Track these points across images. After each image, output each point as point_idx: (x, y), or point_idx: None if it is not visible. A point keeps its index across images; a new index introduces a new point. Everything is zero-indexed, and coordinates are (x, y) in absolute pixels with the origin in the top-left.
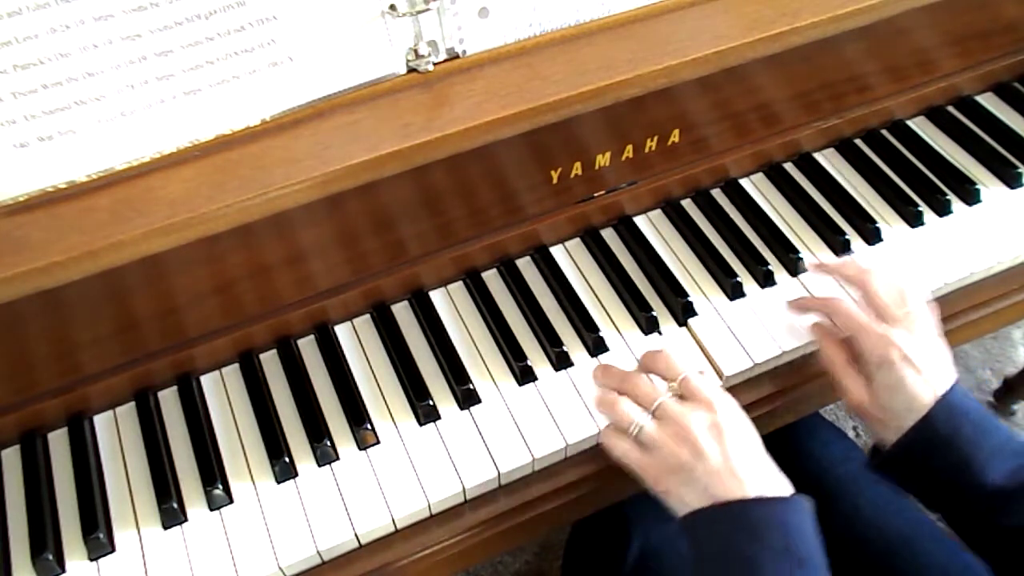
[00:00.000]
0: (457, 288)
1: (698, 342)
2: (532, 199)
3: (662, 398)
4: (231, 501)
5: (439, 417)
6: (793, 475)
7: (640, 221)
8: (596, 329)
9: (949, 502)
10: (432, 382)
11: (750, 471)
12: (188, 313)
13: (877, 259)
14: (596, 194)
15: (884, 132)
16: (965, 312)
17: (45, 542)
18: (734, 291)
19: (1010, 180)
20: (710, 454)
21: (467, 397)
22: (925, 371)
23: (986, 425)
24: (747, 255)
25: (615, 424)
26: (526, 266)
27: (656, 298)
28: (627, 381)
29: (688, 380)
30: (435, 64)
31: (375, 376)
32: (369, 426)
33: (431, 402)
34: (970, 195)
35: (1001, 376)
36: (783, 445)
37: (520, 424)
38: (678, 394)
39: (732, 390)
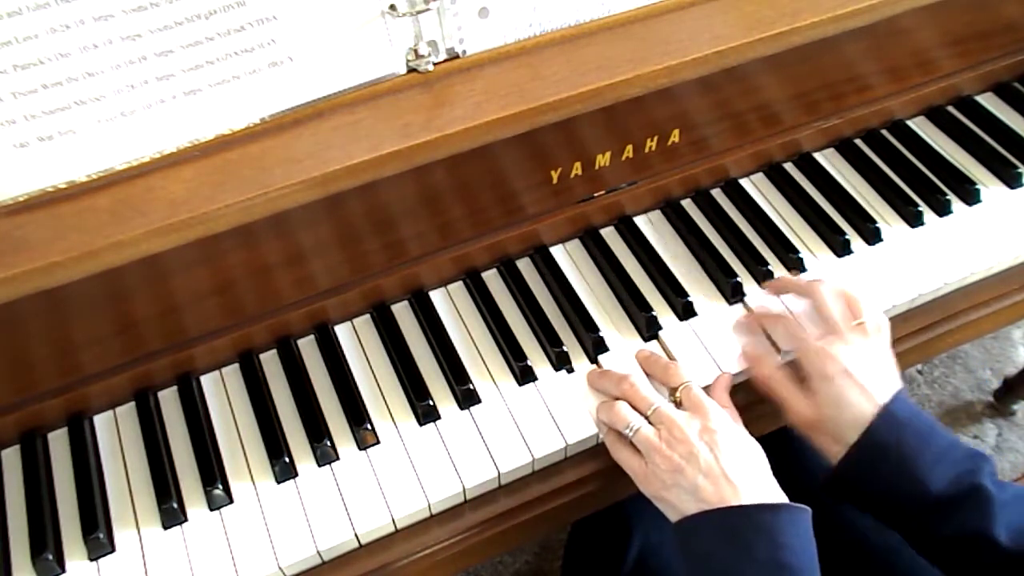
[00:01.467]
0: (457, 288)
1: (700, 341)
2: (532, 199)
3: (658, 403)
4: (231, 501)
5: (439, 417)
6: (790, 479)
7: (640, 221)
8: (596, 329)
9: (896, 514)
10: (432, 382)
11: (743, 477)
12: (188, 313)
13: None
14: (596, 194)
15: (884, 132)
16: (965, 312)
17: (45, 542)
18: (734, 291)
19: (1010, 180)
20: (703, 459)
21: (467, 397)
22: (868, 384)
23: (928, 433)
24: (747, 255)
25: (610, 425)
26: (526, 266)
27: (656, 298)
28: (624, 384)
29: (690, 389)
30: (435, 64)
31: (375, 376)
32: (369, 426)
33: (431, 402)
34: (970, 195)
35: (1001, 376)
36: (781, 449)
37: (520, 424)
38: (676, 401)
39: (732, 390)
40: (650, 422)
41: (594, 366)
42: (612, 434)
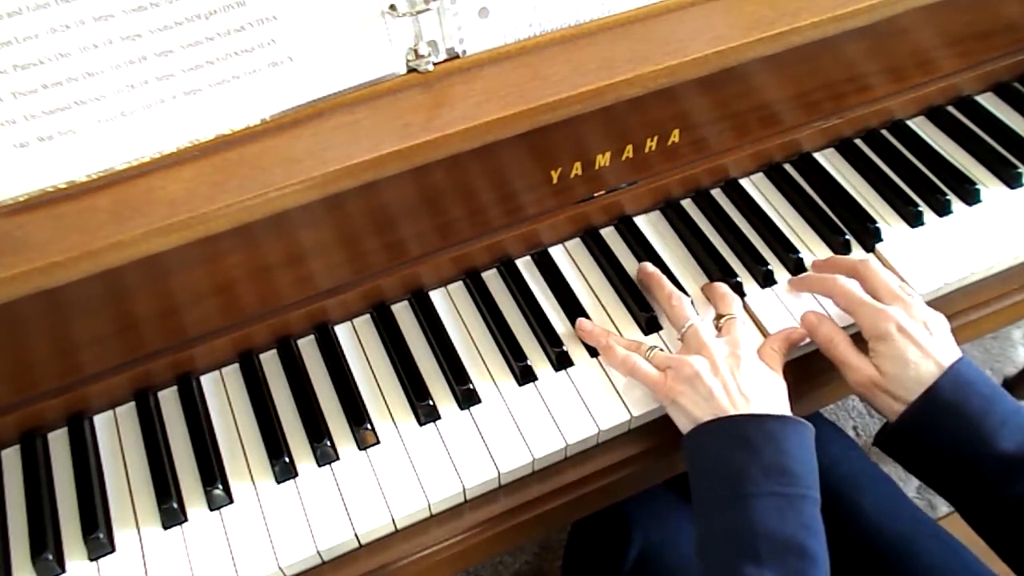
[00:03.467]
0: (457, 288)
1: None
2: (532, 199)
3: (695, 320)
4: (231, 501)
5: (439, 417)
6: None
7: (640, 221)
8: None
9: (955, 474)
10: (432, 382)
11: (757, 395)
12: (188, 313)
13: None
14: (596, 194)
15: (884, 132)
16: (965, 312)
17: (45, 542)
18: (734, 291)
19: (1010, 180)
20: (723, 371)
21: (467, 397)
22: (926, 344)
23: (996, 396)
24: (747, 255)
25: (627, 359)
26: (526, 266)
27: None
28: (672, 297)
29: (734, 321)
30: (435, 64)
31: (375, 376)
32: (369, 426)
33: (431, 402)
34: (970, 195)
35: (1001, 376)
36: None
37: (520, 424)
38: (717, 328)
39: None
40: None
41: (594, 366)
42: (616, 346)
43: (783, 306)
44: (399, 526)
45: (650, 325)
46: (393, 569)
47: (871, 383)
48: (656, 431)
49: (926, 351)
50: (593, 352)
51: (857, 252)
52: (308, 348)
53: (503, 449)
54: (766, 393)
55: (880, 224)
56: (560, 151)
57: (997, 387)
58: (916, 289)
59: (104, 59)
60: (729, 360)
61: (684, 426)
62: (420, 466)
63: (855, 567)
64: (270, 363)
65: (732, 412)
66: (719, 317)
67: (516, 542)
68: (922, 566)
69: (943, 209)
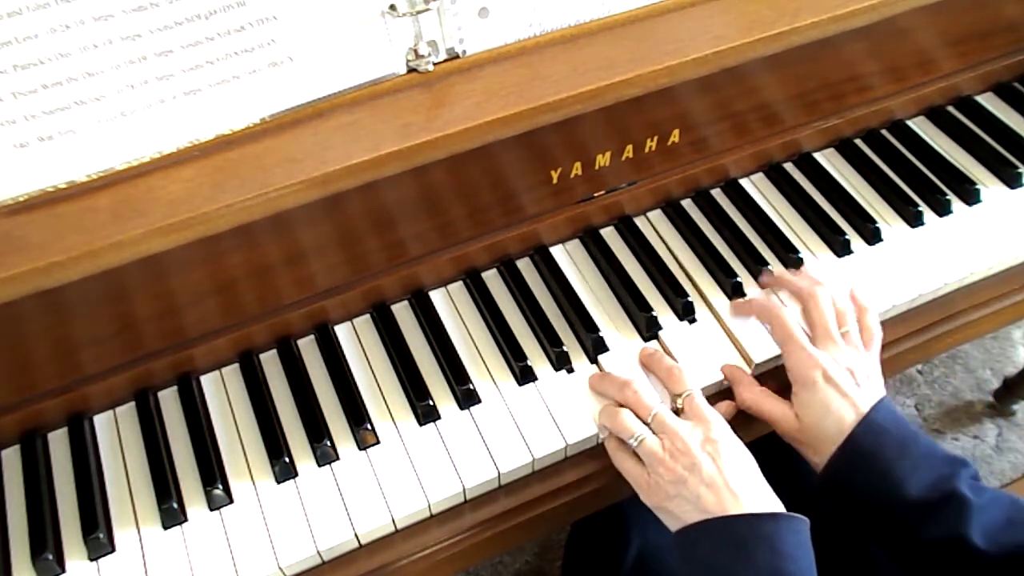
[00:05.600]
0: (457, 288)
1: (700, 341)
2: (532, 199)
3: (657, 409)
4: (231, 501)
5: (439, 417)
6: (789, 480)
7: (640, 221)
8: (596, 329)
9: (877, 521)
10: (432, 382)
11: (745, 488)
12: (188, 313)
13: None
14: (596, 194)
15: (884, 132)
16: (965, 312)
17: (45, 542)
18: (734, 291)
19: (1010, 180)
20: (705, 468)
21: (467, 397)
22: (849, 392)
23: (908, 440)
24: (747, 255)
25: (615, 433)
26: (526, 266)
27: (656, 298)
28: (626, 390)
29: (692, 397)
30: (435, 64)
31: (375, 376)
32: (369, 426)
33: (431, 402)
34: (970, 195)
35: (1001, 376)
36: (780, 449)
37: (520, 424)
38: (677, 408)
39: (731, 391)
40: (651, 429)
41: (594, 366)
42: (614, 440)
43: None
44: (399, 526)
45: (650, 325)
46: (393, 569)
47: (792, 433)
48: None
49: (848, 398)
50: (593, 351)
51: (857, 251)
52: (308, 348)
53: (503, 449)
54: (750, 481)
55: (880, 224)
56: (560, 151)
57: (911, 430)
58: (872, 305)
59: (104, 59)
60: (707, 448)
61: (673, 525)
62: (420, 466)
63: (855, 568)
64: (270, 363)
65: (721, 513)
66: (675, 397)
67: (516, 542)
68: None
69: (943, 209)
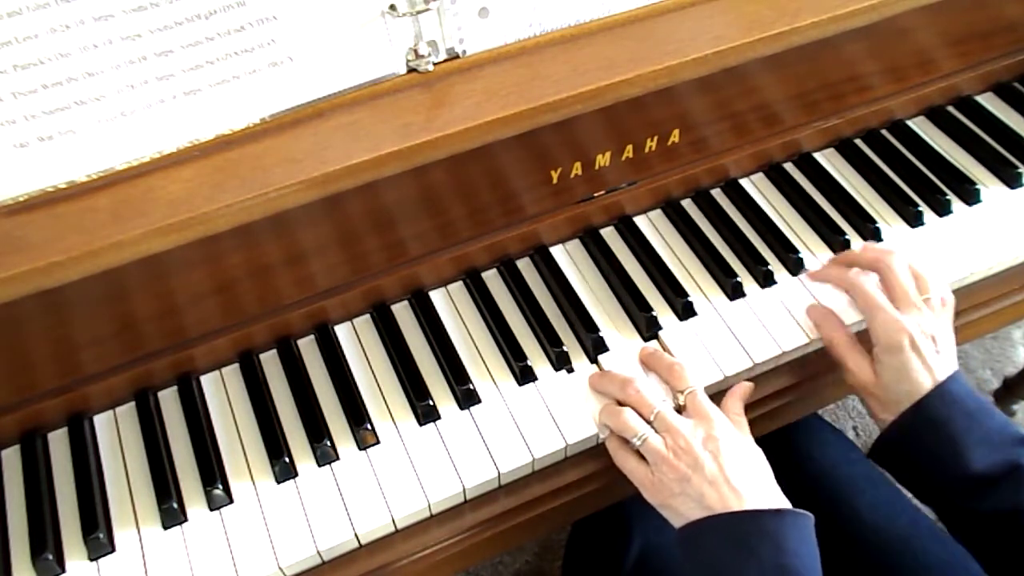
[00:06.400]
0: (457, 288)
1: (701, 341)
2: (532, 199)
3: (660, 407)
4: (231, 501)
5: (439, 417)
6: (792, 477)
7: (640, 221)
8: (596, 329)
9: (933, 487)
10: (432, 382)
11: (747, 484)
12: (188, 313)
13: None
14: (596, 194)
15: (884, 132)
16: (965, 312)
17: (45, 542)
18: (734, 291)
19: (1010, 180)
20: (707, 466)
21: (467, 397)
22: (930, 359)
23: (980, 414)
24: (747, 255)
25: (617, 432)
26: (526, 266)
27: (656, 298)
28: (628, 388)
29: (695, 395)
30: (435, 64)
31: (375, 376)
32: (369, 426)
33: (431, 402)
34: (970, 195)
35: (1001, 376)
36: (782, 447)
37: (520, 424)
38: (679, 406)
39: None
40: (653, 427)
41: (594, 366)
42: (615, 440)
43: (781, 308)
44: (399, 526)
45: (650, 325)
46: (393, 569)
47: (865, 387)
48: None
49: (928, 366)
50: (593, 351)
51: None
52: (308, 348)
53: (503, 449)
54: (755, 479)
55: (880, 224)
56: (560, 151)
57: (984, 405)
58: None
59: (104, 59)
60: (709, 446)
61: (676, 522)
62: (420, 466)
63: (854, 568)
64: (270, 363)
65: (724, 510)
66: (677, 393)
67: (516, 542)
68: (921, 566)
69: (943, 209)
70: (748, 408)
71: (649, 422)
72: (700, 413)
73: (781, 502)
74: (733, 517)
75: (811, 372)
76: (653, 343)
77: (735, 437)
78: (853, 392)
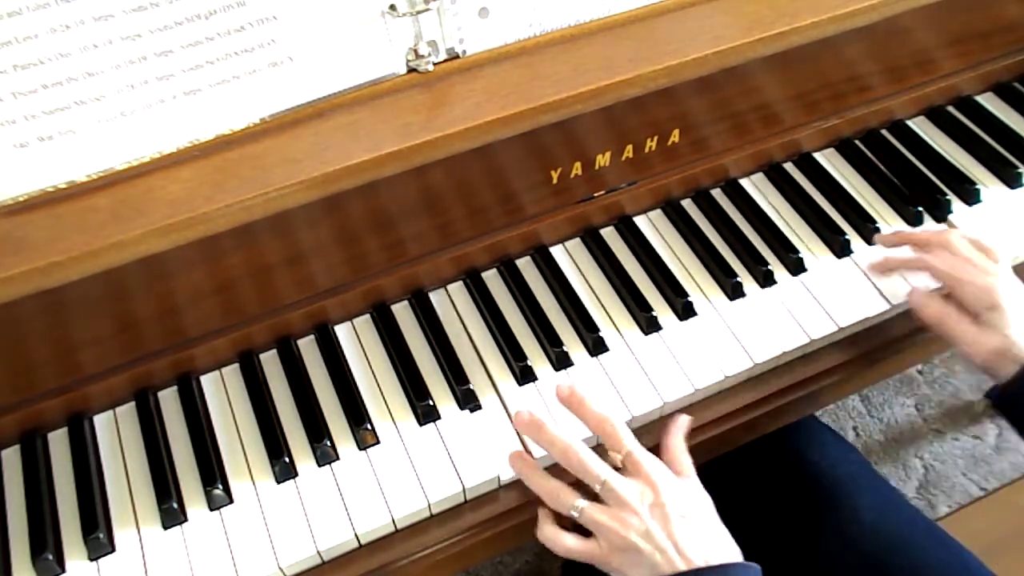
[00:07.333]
0: (457, 288)
1: (701, 341)
2: (532, 199)
3: (606, 476)
4: (231, 501)
5: (439, 417)
6: (792, 477)
7: (640, 221)
8: (596, 329)
9: None
10: (432, 382)
11: (696, 547)
12: (188, 313)
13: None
14: (596, 194)
15: (884, 132)
16: None
17: (45, 542)
18: (734, 291)
19: (1010, 180)
20: (656, 536)
21: (467, 397)
22: None
23: None
24: (747, 255)
25: (552, 507)
26: (526, 266)
27: (656, 298)
28: (571, 456)
29: (632, 455)
30: (435, 64)
31: (375, 376)
32: (369, 426)
33: (431, 402)
34: (970, 195)
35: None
36: (781, 448)
37: None
38: (618, 466)
39: (732, 391)
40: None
41: (594, 365)
42: (548, 521)
43: (783, 308)
44: (399, 526)
45: (650, 325)
46: (393, 569)
47: (999, 352)
48: (657, 430)
49: None
50: (592, 352)
51: (857, 251)
52: (308, 348)
53: (504, 449)
54: (703, 538)
55: (880, 224)
56: (560, 151)
57: None
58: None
59: (104, 59)
60: (656, 512)
61: None
62: (420, 466)
63: (854, 568)
64: (270, 363)
65: (673, 572)
66: (614, 452)
67: (516, 542)
68: (920, 566)
69: (943, 209)
70: (750, 407)
71: (595, 490)
72: (642, 475)
73: (731, 554)
74: None
75: (811, 372)
76: (568, 382)
77: (680, 497)
78: (985, 367)
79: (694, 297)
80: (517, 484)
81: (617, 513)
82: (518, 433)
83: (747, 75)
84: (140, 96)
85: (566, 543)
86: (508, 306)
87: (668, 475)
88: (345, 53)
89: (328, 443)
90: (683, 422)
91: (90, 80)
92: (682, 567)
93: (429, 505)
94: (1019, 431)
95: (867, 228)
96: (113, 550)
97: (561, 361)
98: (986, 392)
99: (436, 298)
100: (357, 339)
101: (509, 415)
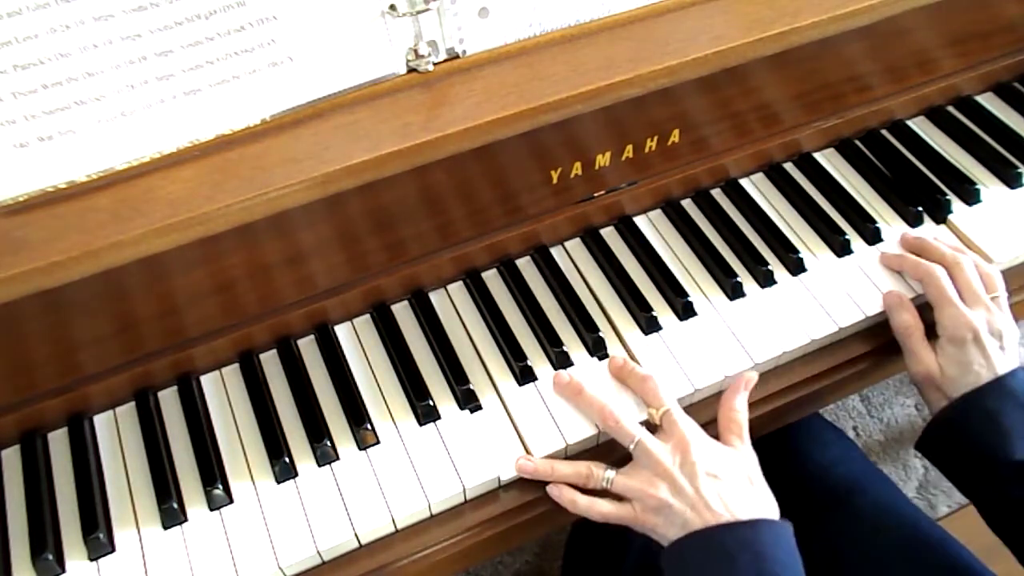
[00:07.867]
0: (457, 288)
1: (701, 341)
2: (532, 199)
3: (639, 435)
4: (231, 501)
5: (439, 417)
6: (793, 476)
7: (640, 221)
8: (596, 329)
9: (975, 474)
10: (432, 382)
11: (725, 504)
12: (188, 313)
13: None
14: (596, 194)
15: (884, 132)
16: None
17: (45, 542)
18: (734, 291)
19: (1010, 180)
20: (687, 491)
21: (467, 397)
22: (993, 355)
23: None
24: (747, 255)
25: (583, 485)
26: (526, 266)
27: (656, 298)
28: (607, 419)
29: (670, 413)
30: (435, 64)
31: (375, 376)
32: (369, 426)
33: (431, 402)
34: (970, 195)
35: None
36: (783, 447)
37: (520, 424)
38: (654, 423)
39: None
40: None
41: (594, 365)
42: (578, 497)
43: (784, 307)
44: (399, 526)
45: (650, 325)
46: (393, 569)
47: (928, 377)
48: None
49: (991, 361)
50: (593, 351)
51: (857, 251)
52: (308, 348)
53: (503, 449)
54: (734, 497)
55: (880, 224)
56: (560, 151)
57: None
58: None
59: (104, 59)
60: (686, 470)
61: (662, 542)
62: (420, 466)
63: (856, 568)
64: (270, 363)
65: (705, 526)
66: (651, 409)
67: (516, 542)
68: (921, 566)
69: (943, 209)
70: (749, 407)
71: (629, 448)
72: (676, 434)
73: (764, 510)
74: (711, 531)
75: (811, 372)
76: (622, 352)
77: (711, 457)
78: (915, 382)
79: (694, 297)
80: (517, 484)
81: (647, 475)
82: (518, 433)
83: (747, 75)
84: (140, 96)
85: (602, 509)
86: (508, 306)
87: (701, 436)
88: (345, 53)
89: (328, 443)
90: (747, 381)
91: (90, 80)
92: (712, 522)
93: (429, 505)
94: (943, 468)
95: (867, 228)
96: (113, 550)
97: (561, 361)
98: (916, 441)
99: (436, 298)
100: (357, 339)
101: (509, 415)
